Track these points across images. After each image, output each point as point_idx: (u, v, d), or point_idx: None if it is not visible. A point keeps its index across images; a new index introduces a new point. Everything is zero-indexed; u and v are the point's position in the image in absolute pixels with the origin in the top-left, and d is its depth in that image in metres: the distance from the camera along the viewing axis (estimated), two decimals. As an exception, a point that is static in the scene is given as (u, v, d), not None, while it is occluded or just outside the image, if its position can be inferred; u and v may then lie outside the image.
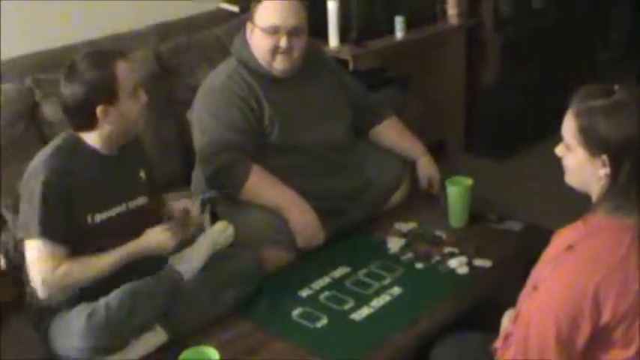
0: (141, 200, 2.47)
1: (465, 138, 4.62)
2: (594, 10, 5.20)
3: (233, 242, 2.60)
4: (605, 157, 1.77)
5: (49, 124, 3.06)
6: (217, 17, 3.68)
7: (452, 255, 2.70)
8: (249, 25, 2.91)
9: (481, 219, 2.91)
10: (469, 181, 2.89)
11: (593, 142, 1.78)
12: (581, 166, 1.83)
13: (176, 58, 3.43)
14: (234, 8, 3.75)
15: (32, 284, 2.31)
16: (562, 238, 1.82)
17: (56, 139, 2.40)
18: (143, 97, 2.41)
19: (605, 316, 1.72)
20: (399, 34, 4.05)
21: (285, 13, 2.85)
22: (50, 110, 3.06)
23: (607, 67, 5.31)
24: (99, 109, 2.29)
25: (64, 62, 3.09)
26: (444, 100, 4.47)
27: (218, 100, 2.85)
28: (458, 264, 2.65)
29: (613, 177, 1.77)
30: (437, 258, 2.69)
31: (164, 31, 3.51)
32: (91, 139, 2.36)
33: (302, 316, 2.42)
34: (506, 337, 1.89)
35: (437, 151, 4.26)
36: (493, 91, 4.51)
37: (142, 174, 2.52)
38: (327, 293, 2.53)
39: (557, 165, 1.93)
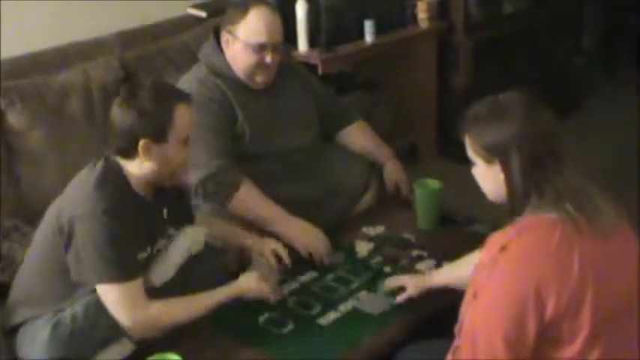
0: (162, 243, 2.39)
1: (436, 142, 4.61)
2: (567, 15, 5.22)
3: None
4: (497, 161, 1.83)
5: (15, 133, 3.03)
6: (184, 23, 3.64)
7: (420, 258, 2.69)
8: (225, 35, 2.85)
9: (450, 222, 2.90)
10: (437, 184, 2.89)
11: (484, 150, 1.85)
12: (485, 178, 1.91)
13: (142, 64, 3.37)
14: (202, 13, 3.72)
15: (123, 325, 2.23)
16: (494, 241, 1.81)
17: (96, 167, 2.25)
18: (189, 150, 2.32)
19: (549, 311, 1.71)
20: (369, 38, 4.04)
21: (273, 30, 2.82)
22: (16, 119, 3.03)
23: (580, 71, 5.33)
24: (142, 143, 2.19)
25: (27, 70, 3.14)
26: (416, 105, 4.47)
27: (195, 106, 2.81)
28: (426, 267, 2.63)
29: (508, 179, 1.82)
30: (405, 261, 2.68)
31: (129, 38, 3.46)
32: (129, 169, 2.26)
33: (269, 322, 2.40)
34: (455, 350, 1.88)
35: (409, 155, 4.27)
36: (464, 95, 4.50)
37: (165, 213, 2.41)
38: (294, 298, 2.51)
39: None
